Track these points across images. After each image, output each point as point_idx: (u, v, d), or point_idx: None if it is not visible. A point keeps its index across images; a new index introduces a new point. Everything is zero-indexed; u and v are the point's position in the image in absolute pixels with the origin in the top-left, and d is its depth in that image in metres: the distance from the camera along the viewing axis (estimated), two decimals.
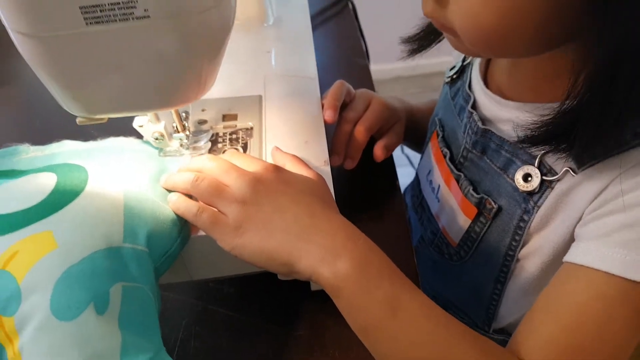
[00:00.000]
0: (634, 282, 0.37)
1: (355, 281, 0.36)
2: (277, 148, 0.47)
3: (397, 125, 0.64)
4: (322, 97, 0.57)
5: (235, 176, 0.40)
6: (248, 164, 0.43)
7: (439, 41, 0.52)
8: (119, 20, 0.31)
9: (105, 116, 0.38)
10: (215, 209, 0.40)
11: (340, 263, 0.36)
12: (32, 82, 0.79)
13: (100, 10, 0.30)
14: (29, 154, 0.44)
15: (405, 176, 0.60)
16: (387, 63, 1.38)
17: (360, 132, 0.58)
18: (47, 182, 0.39)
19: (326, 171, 0.47)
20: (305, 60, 0.60)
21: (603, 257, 0.38)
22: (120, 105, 0.37)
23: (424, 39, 0.54)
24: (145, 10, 0.30)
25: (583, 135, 0.37)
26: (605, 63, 0.34)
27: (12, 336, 0.34)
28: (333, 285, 0.37)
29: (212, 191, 0.40)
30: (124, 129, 0.47)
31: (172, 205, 0.41)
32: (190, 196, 0.42)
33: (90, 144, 0.45)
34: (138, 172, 0.42)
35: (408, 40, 0.55)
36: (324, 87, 0.58)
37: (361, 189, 0.59)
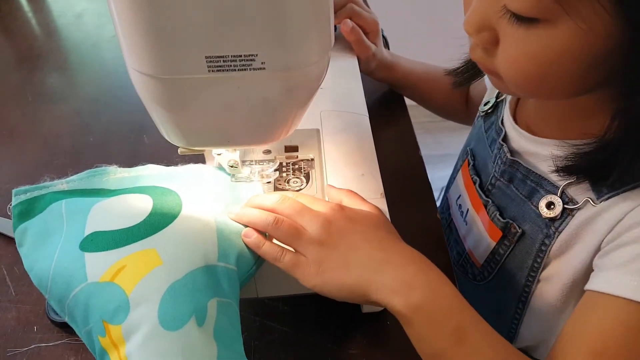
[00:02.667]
0: None
1: (426, 312, 0.40)
2: (331, 185, 0.52)
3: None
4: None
5: (308, 218, 0.45)
6: (313, 204, 0.47)
7: (483, 75, 0.58)
8: (238, 69, 0.35)
9: (205, 148, 0.43)
10: (292, 250, 0.44)
11: (412, 295, 0.40)
12: (88, 99, 0.84)
13: (224, 61, 0.35)
14: (116, 174, 0.48)
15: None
16: None
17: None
18: (144, 203, 0.43)
19: (382, 203, 0.51)
20: (355, 96, 0.65)
21: (621, 285, 0.43)
22: (219, 140, 0.41)
23: (468, 71, 0.59)
24: (262, 63, 0.35)
25: (621, 166, 0.42)
26: None
27: (118, 343, 0.37)
28: (405, 316, 0.41)
29: (293, 233, 0.44)
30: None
31: (252, 244, 0.44)
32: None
33: (172, 169, 0.49)
34: (221, 198, 0.46)
35: (453, 74, 0.61)
36: None
37: (404, 217, 0.63)
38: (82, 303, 0.39)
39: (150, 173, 0.48)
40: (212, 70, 0.35)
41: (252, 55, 0.35)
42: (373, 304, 0.42)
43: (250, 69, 0.35)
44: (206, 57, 0.35)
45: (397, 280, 0.41)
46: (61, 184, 0.47)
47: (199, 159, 0.51)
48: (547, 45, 0.40)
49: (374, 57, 0.75)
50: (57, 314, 0.52)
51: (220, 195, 0.47)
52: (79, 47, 0.97)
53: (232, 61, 0.35)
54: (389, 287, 0.41)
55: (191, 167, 0.50)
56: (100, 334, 0.38)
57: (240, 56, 0.35)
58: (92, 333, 0.39)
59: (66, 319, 0.41)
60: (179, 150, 0.43)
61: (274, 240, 0.46)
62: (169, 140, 0.42)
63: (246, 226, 0.45)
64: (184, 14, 0.33)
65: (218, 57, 0.35)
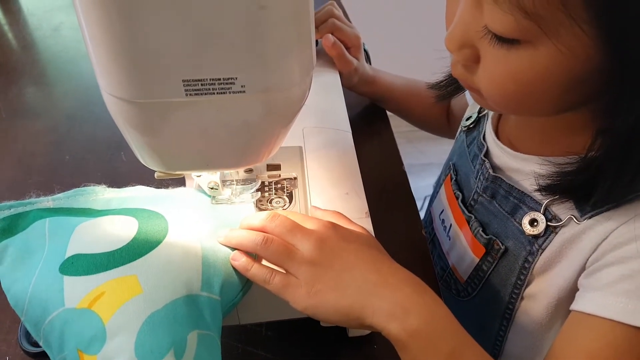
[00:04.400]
0: (637, 328, 0.41)
1: (423, 337, 0.39)
2: (316, 207, 0.50)
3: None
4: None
5: (300, 237, 0.43)
6: (304, 221, 0.45)
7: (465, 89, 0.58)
8: (217, 93, 0.34)
9: (183, 172, 0.41)
10: (283, 270, 0.43)
11: (409, 319, 0.39)
12: (64, 115, 0.81)
13: (202, 84, 0.34)
14: (104, 194, 0.46)
15: None
16: None
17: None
18: (129, 226, 0.41)
19: (367, 223, 0.50)
20: (338, 113, 0.64)
21: (607, 306, 0.42)
22: (198, 163, 0.40)
23: (451, 85, 0.59)
24: (242, 86, 0.34)
25: (603, 186, 0.42)
26: (627, 123, 0.39)
27: None
28: (401, 341, 0.39)
29: (283, 253, 0.42)
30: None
31: (240, 267, 0.42)
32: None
33: (163, 192, 0.48)
34: (210, 223, 0.44)
35: (435, 87, 0.61)
36: None
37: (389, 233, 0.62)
38: (57, 329, 0.37)
39: (139, 195, 0.46)
40: (190, 94, 0.34)
41: (231, 78, 0.34)
42: (367, 328, 0.41)
43: (229, 92, 0.34)
44: (183, 81, 0.34)
45: (393, 304, 0.40)
46: (47, 201, 0.45)
47: (179, 180, 0.50)
48: (527, 65, 0.40)
49: (356, 72, 0.75)
50: (30, 344, 0.50)
51: (211, 219, 0.45)
52: (56, 61, 0.94)
53: (210, 84, 0.34)
54: (385, 310, 0.40)
55: (182, 190, 0.48)
56: None
57: (219, 79, 0.34)
58: None
59: (41, 344, 0.40)
60: (155, 175, 0.42)
61: (265, 263, 0.44)
62: (145, 164, 0.40)
63: (235, 250, 0.44)
64: (160, 37, 0.32)
65: (196, 80, 0.34)
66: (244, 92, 0.34)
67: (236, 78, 0.34)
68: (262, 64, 0.34)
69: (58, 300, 0.37)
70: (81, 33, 0.34)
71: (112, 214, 0.43)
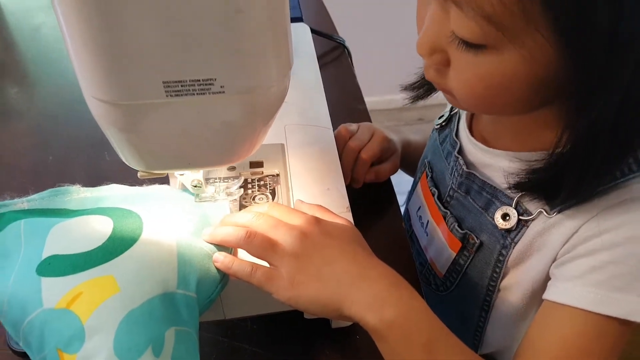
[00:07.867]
0: (607, 317, 0.43)
1: (399, 328, 0.41)
2: (301, 201, 0.51)
3: (394, 156, 0.72)
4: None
5: (283, 231, 0.44)
6: (288, 216, 0.46)
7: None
8: (197, 94, 0.35)
9: (165, 172, 0.42)
10: (265, 264, 0.44)
11: (385, 311, 0.41)
12: (47, 115, 0.81)
13: (182, 85, 0.35)
14: (79, 194, 0.47)
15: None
16: (379, 95, 1.48)
17: (364, 159, 0.67)
18: (104, 226, 0.42)
19: (349, 217, 0.52)
20: (319, 110, 0.65)
21: (579, 296, 0.45)
22: (180, 163, 0.41)
23: (424, 86, 0.60)
24: (221, 87, 0.35)
25: (570, 181, 0.44)
26: (588, 121, 0.40)
27: None
28: (379, 332, 0.41)
29: (266, 247, 0.43)
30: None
31: (222, 267, 0.43)
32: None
33: (137, 189, 0.48)
34: (184, 220, 0.45)
35: (409, 88, 0.62)
36: None
37: (369, 228, 0.64)
38: (37, 329, 0.38)
39: (114, 194, 0.47)
40: (170, 95, 0.35)
41: (210, 79, 0.35)
42: (345, 319, 0.42)
43: (209, 93, 0.35)
44: (164, 82, 0.34)
45: (371, 296, 0.41)
46: (22, 203, 0.45)
47: (163, 179, 0.51)
48: (495, 69, 0.41)
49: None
50: (18, 343, 0.51)
51: (186, 216, 0.46)
52: (38, 61, 0.94)
53: (190, 85, 0.35)
54: (363, 302, 0.41)
55: (156, 187, 0.49)
56: None
57: (199, 80, 0.35)
58: None
59: (21, 344, 0.40)
60: (138, 174, 0.43)
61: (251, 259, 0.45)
62: (127, 164, 0.41)
63: (217, 247, 0.45)
64: (140, 40, 0.33)
65: (176, 82, 0.34)
66: (223, 92, 0.35)
67: (215, 79, 0.34)
68: (240, 66, 0.34)
69: (36, 301, 0.38)
70: (62, 36, 0.34)
71: (86, 214, 0.43)
